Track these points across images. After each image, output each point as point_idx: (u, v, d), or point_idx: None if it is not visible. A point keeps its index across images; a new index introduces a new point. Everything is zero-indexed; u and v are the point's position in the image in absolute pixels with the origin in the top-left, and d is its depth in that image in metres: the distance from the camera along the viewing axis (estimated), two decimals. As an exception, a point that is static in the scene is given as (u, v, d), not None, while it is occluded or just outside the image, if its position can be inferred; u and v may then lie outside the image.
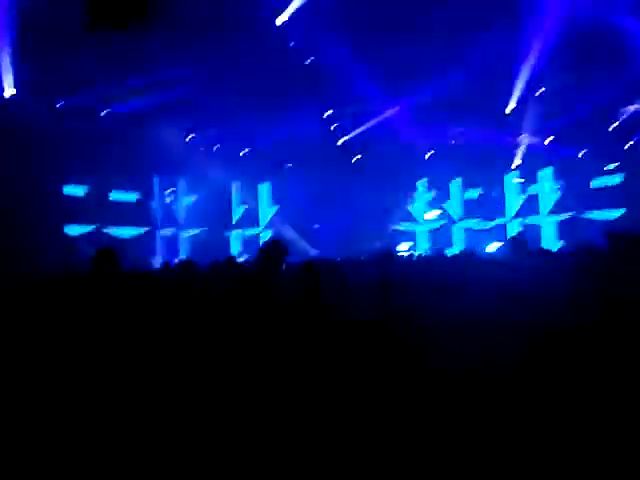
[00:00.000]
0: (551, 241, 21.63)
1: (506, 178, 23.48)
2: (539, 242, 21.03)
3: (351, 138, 23.09)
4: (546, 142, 21.23)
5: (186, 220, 23.58)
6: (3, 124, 15.58)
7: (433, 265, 9.64)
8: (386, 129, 21.98)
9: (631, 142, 20.22)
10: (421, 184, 25.00)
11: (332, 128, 22.11)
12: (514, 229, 22.67)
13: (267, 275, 5.97)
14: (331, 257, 12.30)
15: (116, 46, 14.17)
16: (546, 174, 22.64)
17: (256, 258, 6.20)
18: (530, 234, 21.47)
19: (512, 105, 19.90)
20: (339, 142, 23.27)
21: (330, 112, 21.64)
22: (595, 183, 21.35)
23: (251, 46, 16.78)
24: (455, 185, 24.57)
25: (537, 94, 19.55)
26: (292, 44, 17.15)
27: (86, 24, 8.29)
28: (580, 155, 21.37)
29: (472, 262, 8.86)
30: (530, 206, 23.07)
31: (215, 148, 22.50)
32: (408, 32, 16.31)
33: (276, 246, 6.09)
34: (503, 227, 23.29)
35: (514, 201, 23.42)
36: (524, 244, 8.36)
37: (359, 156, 24.03)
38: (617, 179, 20.82)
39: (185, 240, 23.33)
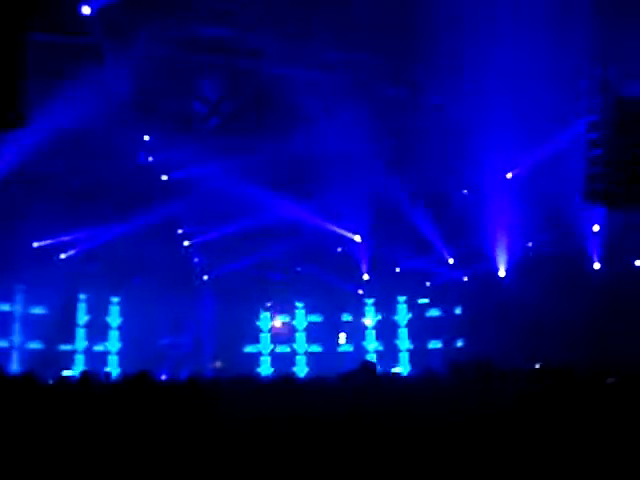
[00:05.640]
0: (404, 366, 22.47)
1: (367, 309, 24.31)
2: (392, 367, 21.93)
3: (201, 260, 23.22)
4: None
5: (24, 332, 22.19)
6: None
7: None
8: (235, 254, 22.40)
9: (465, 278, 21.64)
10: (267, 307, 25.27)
11: (185, 244, 22.12)
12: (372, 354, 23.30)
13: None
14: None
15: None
16: (401, 303, 23.71)
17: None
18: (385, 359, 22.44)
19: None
20: (205, 277, 23.66)
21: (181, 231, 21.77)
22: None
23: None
24: (299, 310, 25.02)
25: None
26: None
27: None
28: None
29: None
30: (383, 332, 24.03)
31: (62, 257, 21.69)
32: None
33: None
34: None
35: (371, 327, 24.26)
36: (373, 369, 8.71)
37: (206, 277, 24.03)
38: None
39: (20, 353, 21.85)
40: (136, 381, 6.92)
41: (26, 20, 7.57)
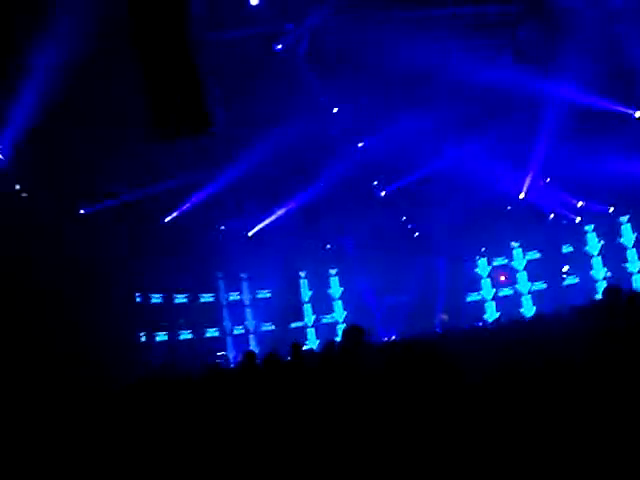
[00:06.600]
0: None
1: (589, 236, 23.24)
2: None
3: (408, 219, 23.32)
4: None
5: (255, 316, 23.54)
6: (69, 241, 15.66)
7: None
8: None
9: None
10: (483, 253, 24.84)
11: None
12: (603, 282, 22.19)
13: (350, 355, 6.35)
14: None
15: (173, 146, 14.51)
16: (625, 224, 22.40)
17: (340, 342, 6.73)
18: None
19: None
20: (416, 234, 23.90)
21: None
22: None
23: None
24: (516, 250, 24.33)
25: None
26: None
27: (149, 134, 8.34)
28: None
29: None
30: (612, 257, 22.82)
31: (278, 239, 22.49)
32: None
33: (355, 330, 6.53)
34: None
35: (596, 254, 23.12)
36: (619, 293, 8.17)
37: (417, 234, 24.05)
38: None
39: (256, 336, 23.22)
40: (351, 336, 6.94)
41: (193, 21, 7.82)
